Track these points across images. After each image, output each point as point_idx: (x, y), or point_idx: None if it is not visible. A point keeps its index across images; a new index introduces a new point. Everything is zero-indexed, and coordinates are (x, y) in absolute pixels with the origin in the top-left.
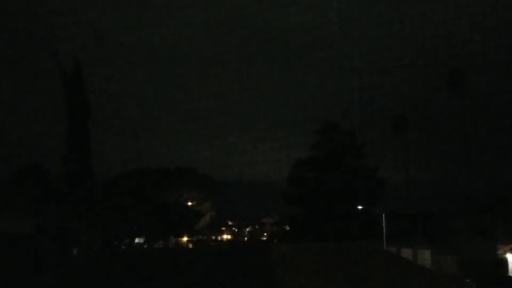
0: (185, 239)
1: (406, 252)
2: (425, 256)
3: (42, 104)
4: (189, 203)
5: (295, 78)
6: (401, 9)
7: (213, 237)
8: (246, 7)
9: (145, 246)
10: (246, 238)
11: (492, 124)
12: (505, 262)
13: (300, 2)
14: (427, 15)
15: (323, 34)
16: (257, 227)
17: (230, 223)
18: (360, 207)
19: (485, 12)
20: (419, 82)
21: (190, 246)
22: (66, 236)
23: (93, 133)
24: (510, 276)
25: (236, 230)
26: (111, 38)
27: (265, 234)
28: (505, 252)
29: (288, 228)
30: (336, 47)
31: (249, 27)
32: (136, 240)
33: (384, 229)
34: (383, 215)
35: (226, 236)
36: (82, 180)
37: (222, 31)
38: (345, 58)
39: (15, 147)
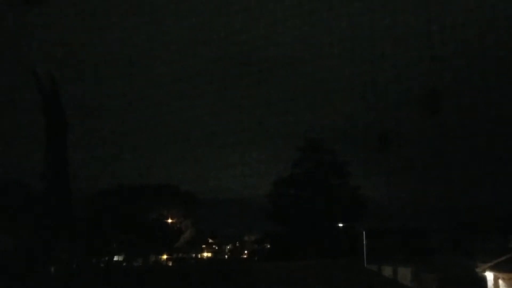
0: (164, 257)
1: (387, 270)
2: (406, 274)
3: (21, 120)
4: (169, 220)
5: (277, 95)
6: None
7: (193, 255)
8: (226, 26)
9: (124, 264)
10: (226, 256)
11: (472, 143)
12: (484, 280)
13: (282, 20)
14: (410, 32)
15: (302, 52)
16: (237, 244)
17: (210, 240)
18: (341, 225)
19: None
20: (401, 100)
21: (170, 264)
22: (43, 253)
23: (71, 149)
24: None
25: (217, 248)
26: (88, 55)
27: (245, 251)
28: (484, 270)
29: (269, 246)
30: (319, 64)
31: (228, 46)
32: (115, 258)
33: (364, 246)
34: (364, 232)
35: (206, 254)
36: (60, 196)
37: (202, 51)
38: (330, 73)
39: None
